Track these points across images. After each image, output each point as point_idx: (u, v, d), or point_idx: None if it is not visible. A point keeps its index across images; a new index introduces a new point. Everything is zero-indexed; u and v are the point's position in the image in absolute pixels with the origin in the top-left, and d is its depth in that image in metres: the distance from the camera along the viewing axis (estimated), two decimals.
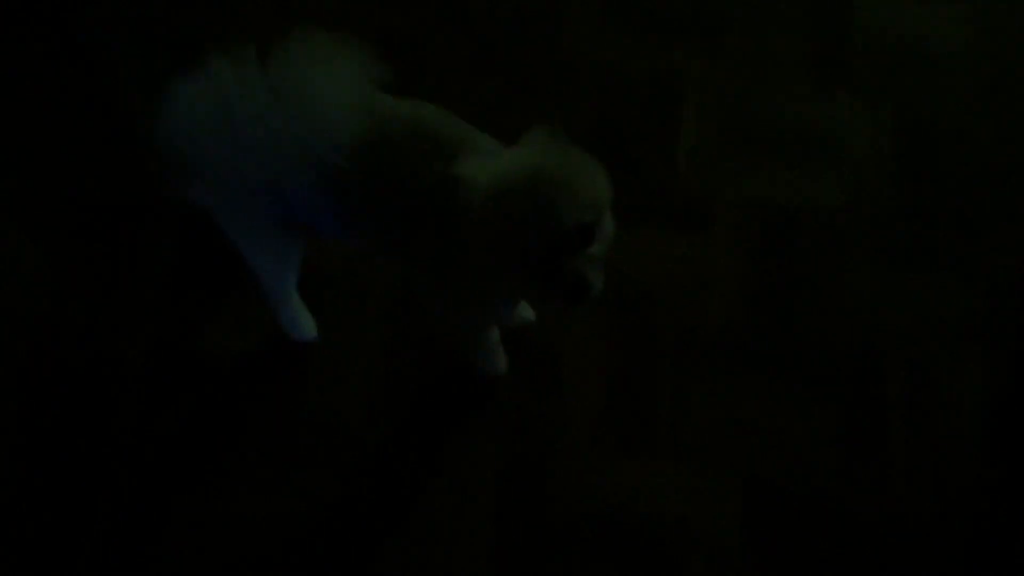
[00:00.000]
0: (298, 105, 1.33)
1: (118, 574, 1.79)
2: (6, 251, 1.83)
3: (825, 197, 2.07)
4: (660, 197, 2.06)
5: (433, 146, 1.37)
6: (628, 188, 2.03)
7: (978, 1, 2.25)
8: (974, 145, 2.13)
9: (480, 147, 1.38)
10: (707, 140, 2.11)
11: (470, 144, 1.38)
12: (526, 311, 1.88)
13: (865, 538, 1.85)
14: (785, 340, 1.97)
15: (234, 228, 1.56)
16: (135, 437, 1.86)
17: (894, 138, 2.12)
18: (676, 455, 1.88)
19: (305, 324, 1.88)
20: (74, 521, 1.80)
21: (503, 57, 2.17)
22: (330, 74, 1.36)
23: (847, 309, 1.99)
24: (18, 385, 1.77)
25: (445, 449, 1.88)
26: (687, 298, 1.99)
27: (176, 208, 1.98)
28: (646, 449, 1.88)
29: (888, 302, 2.00)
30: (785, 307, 1.99)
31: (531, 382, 1.92)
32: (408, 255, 1.51)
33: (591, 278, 1.25)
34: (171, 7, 2.10)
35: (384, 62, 1.39)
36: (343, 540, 1.81)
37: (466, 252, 1.33)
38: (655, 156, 2.09)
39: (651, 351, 1.96)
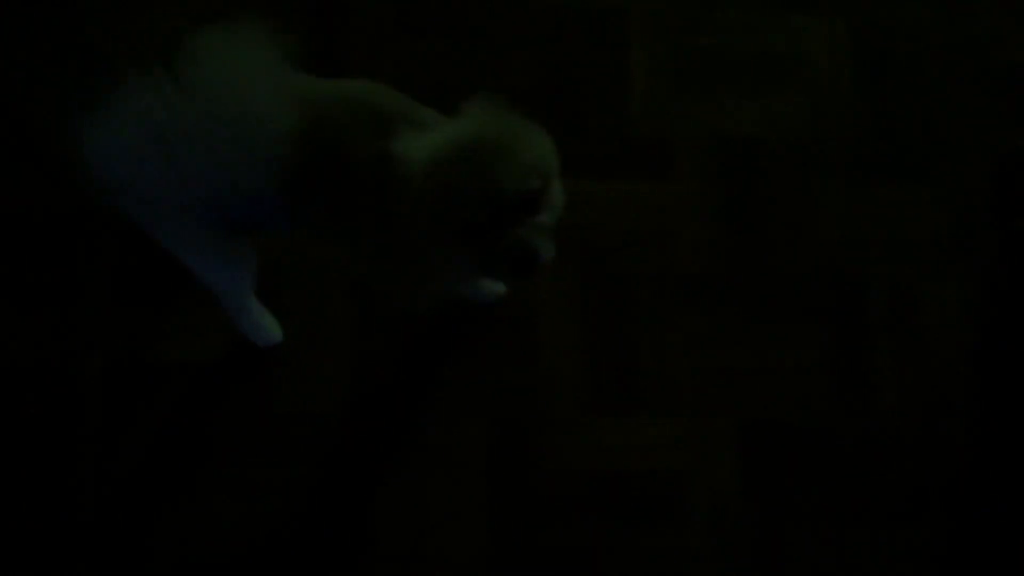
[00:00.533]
0: (221, 107, 1.22)
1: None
2: None
3: (787, 122, 2.01)
4: (616, 145, 1.99)
5: (370, 123, 1.27)
6: (582, 139, 1.98)
7: None
8: (933, 53, 2.07)
9: (420, 120, 1.28)
10: (659, 80, 2.03)
11: (409, 117, 1.28)
12: (496, 285, 1.81)
13: (861, 462, 1.83)
14: (761, 274, 1.92)
15: (177, 245, 1.45)
16: (103, 456, 1.79)
17: (852, 54, 2.06)
18: (665, 408, 1.84)
19: (269, 328, 1.79)
20: (47, 541, 1.73)
21: (435, 12, 2.06)
22: (244, 66, 1.25)
23: (821, 234, 1.95)
24: None
25: (428, 427, 1.82)
26: (657, 245, 1.93)
27: (109, 215, 1.88)
28: (633, 405, 1.84)
29: (861, 221, 1.96)
30: (757, 241, 1.94)
31: (509, 351, 1.86)
32: (354, 238, 1.42)
33: (538, 246, 1.17)
34: (71, 12, 1.98)
35: (303, 37, 1.28)
36: (334, 529, 1.76)
37: (408, 229, 1.24)
38: (607, 102, 2.01)
39: (626, 304, 1.90)
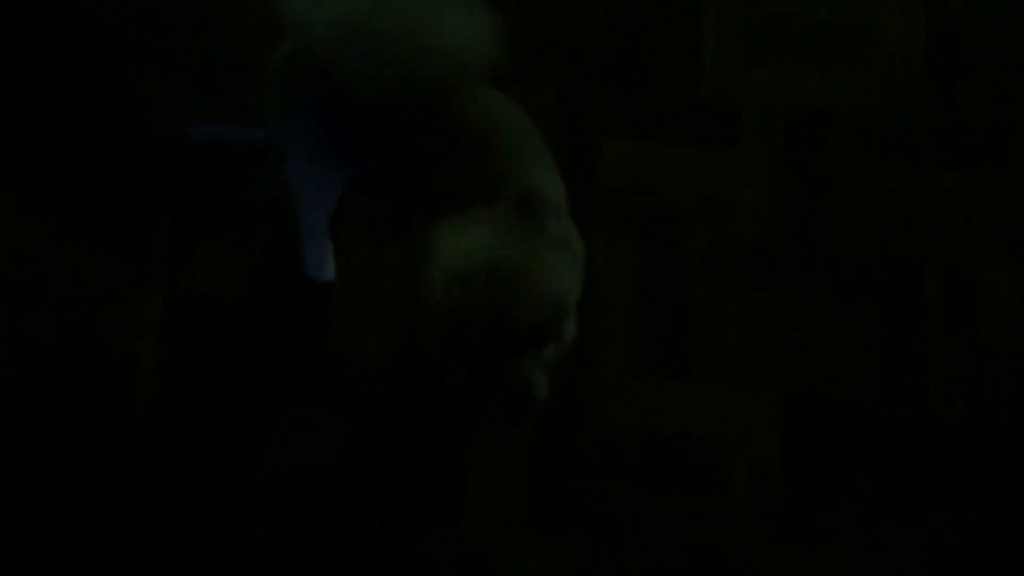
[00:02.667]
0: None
1: (152, 519, 1.78)
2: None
3: (855, 97, 1.99)
4: (683, 110, 1.98)
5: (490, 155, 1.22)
6: (649, 101, 1.97)
7: None
8: (1008, 38, 2.03)
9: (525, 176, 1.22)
10: (730, 46, 2.01)
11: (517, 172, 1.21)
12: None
13: (904, 446, 1.83)
14: (819, 250, 1.92)
15: (297, 155, 1.41)
16: (157, 390, 1.83)
17: (927, 34, 2.02)
18: (711, 375, 1.85)
19: (327, 265, 1.81)
20: (95, 473, 1.78)
21: None
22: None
23: (882, 214, 1.93)
24: (34, 360, 1.73)
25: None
26: (715, 213, 1.93)
27: (178, 150, 1.90)
28: (680, 371, 1.85)
29: (924, 205, 1.94)
30: (817, 216, 1.93)
31: None
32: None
33: (536, 385, 1.10)
34: None
35: None
36: (377, 475, 1.80)
37: (424, 339, 1.16)
38: (676, 66, 2.00)
39: (680, 270, 1.91)
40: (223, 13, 1.68)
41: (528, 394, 1.10)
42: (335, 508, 1.78)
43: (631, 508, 1.80)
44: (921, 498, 1.82)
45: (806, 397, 1.85)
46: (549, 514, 1.79)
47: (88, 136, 1.70)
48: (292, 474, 1.79)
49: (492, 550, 1.77)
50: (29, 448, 1.56)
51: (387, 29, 1.10)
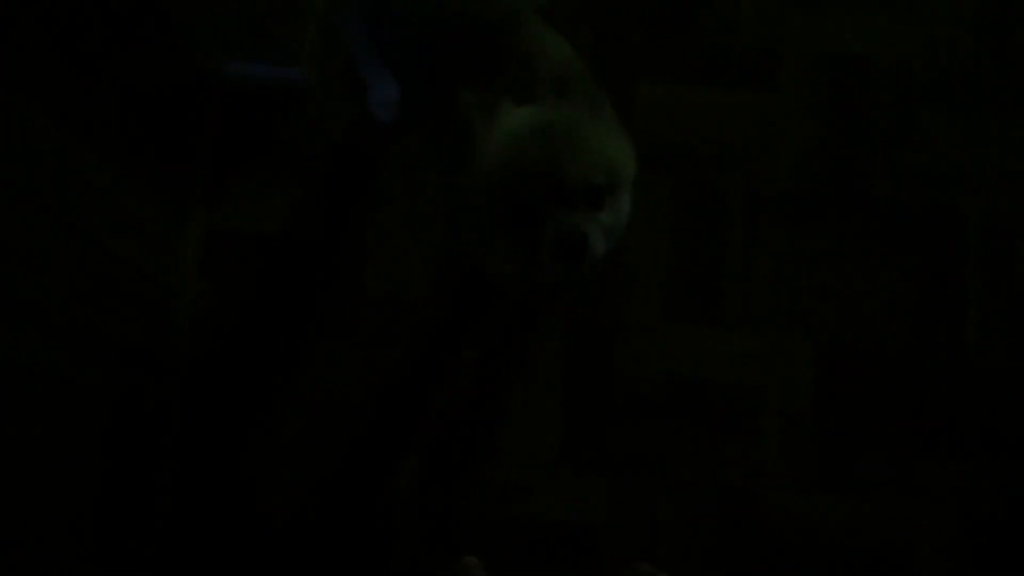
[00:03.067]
0: None
1: (194, 452, 1.81)
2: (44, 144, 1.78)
3: (900, 44, 1.95)
4: (721, 53, 1.95)
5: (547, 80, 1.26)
6: (688, 43, 1.94)
7: None
8: None
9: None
10: None
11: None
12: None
13: (938, 394, 1.82)
14: (858, 197, 1.90)
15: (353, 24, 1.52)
16: (198, 323, 1.85)
17: None
18: (745, 321, 1.85)
19: (392, 107, 1.83)
20: (133, 408, 1.81)
21: None
22: None
23: (924, 162, 1.91)
24: (76, 290, 1.76)
25: (510, 320, 1.85)
26: (754, 159, 1.91)
27: (220, 87, 1.91)
28: (715, 316, 1.85)
29: (966, 154, 1.91)
30: (858, 163, 1.91)
31: None
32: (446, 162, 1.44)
33: (592, 237, 1.13)
34: None
35: None
36: (412, 413, 1.81)
37: (477, 204, 1.22)
38: (715, 8, 1.97)
39: (718, 215, 1.89)
40: None
41: (582, 239, 1.12)
42: (370, 446, 1.80)
43: (663, 450, 1.80)
44: (954, 446, 1.81)
45: (840, 344, 1.84)
46: (582, 454, 1.80)
47: (129, 71, 1.71)
48: (328, 411, 1.81)
49: (523, 485, 1.79)
50: (70, 381, 1.58)
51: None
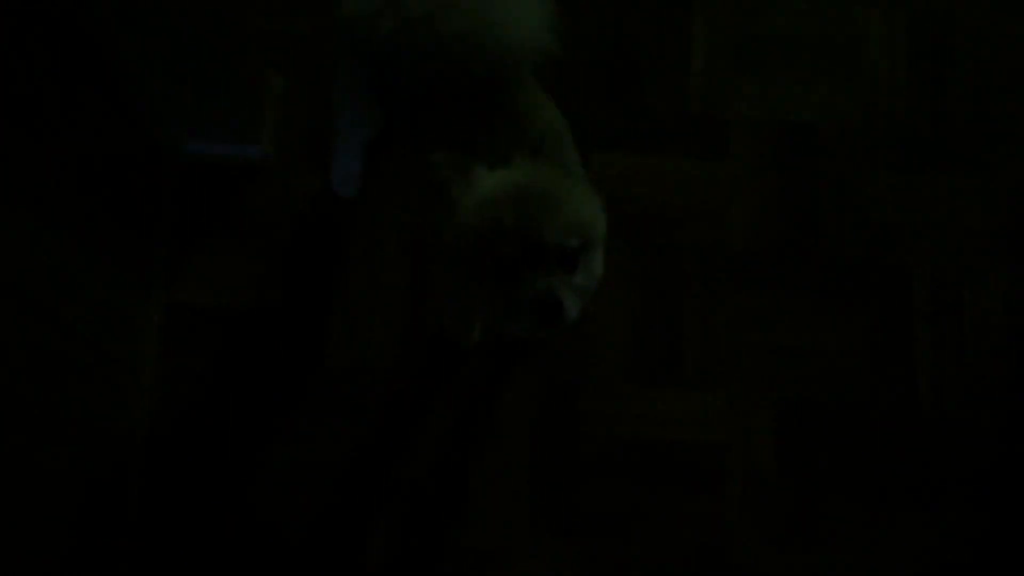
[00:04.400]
0: None
1: (154, 530, 1.78)
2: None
3: (842, 109, 2.03)
4: (673, 122, 2.01)
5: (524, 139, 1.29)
6: (640, 114, 2.00)
7: None
8: (989, 46, 2.08)
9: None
10: (718, 60, 2.05)
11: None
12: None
13: (896, 447, 1.86)
14: (809, 257, 1.95)
15: (346, 74, 1.57)
16: (158, 400, 1.83)
17: (909, 44, 2.07)
18: (706, 381, 1.88)
19: (354, 181, 1.87)
20: (94, 477, 1.78)
21: None
22: None
23: (870, 222, 1.97)
24: (33, 368, 1.74)
25: (475, 386, 1.86)
26: (708, 223, 1.96)
27: (178, 161, 1.92)
28: (676, 377, 1.88)
29: (911, 210, 1.98)
30: (807, 223, 1.97)
31: None
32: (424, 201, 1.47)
33: (566, 301, 1.15)
34: None
35: None
36: (378, 481, 1.80)
37: (453, 261, 1.24)
38: (666, 79, 2.04)
39: (675, 279, 1.93)
40: (223, 33, 1.71)
41: (556, 303, 1.14)
42: (337, 514, 1.79)
43: (631, 511, 1.81)
44: (913, 498, 1.84)
45: (799, 401, 1.87)
46: (550, 517, 1.80)
47: (89, 147, 1.72)
48: (293, 481, 1.80)
49: (493, 552, 1.78)
50: (25, 458, 1.56)
51: (451, 20, 1.23)
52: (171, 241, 1.91)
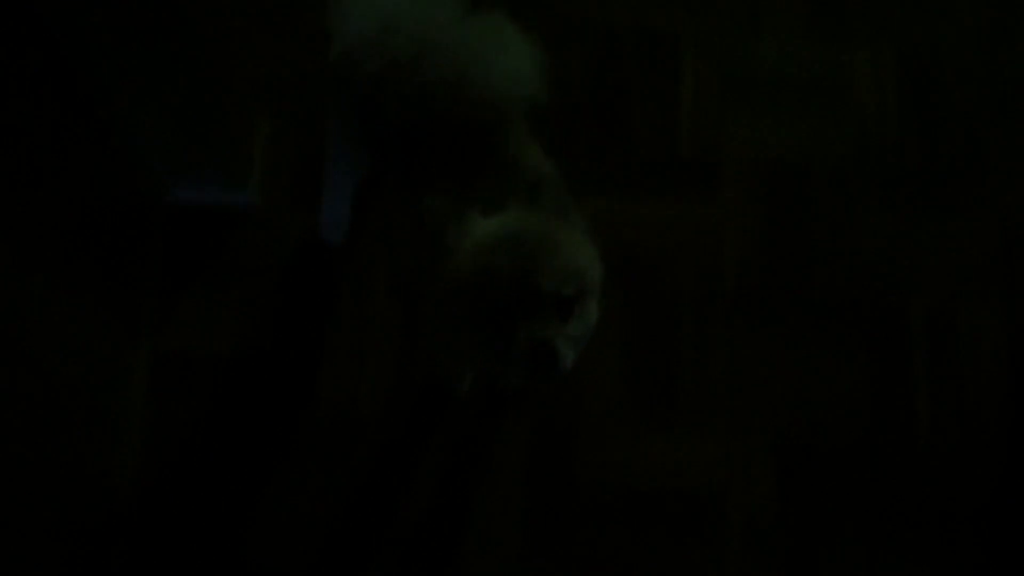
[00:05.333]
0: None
1: None
2: None
3: (831, 149, 2.03)
4: (663, 165, 2.01)
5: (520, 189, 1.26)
6: (629, 157, 2.00)
7: None
8: (978, 84, 2.09)
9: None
10: (707, 103, 2.05)
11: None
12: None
13: (897, 485, 1.83)
14: (803, 297, 1.93)
15: (337, 122, 1.57)
16: (145, 450, 1.80)
17: (897, 84, 2.07)
18: (701, 424, 1.85)
19: (342, 230, 1.87)
20: (83, 535, 1.74)
21: None
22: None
23: (864, 260, 1.96)
24: (15, 416, 1.71)
25: (467, 431, 1.83)
26: (700, 264, 1.95)
27: (167, 208, 1.91)
28: (671, 420, 1.85)
29: (904, 250, 1.97)
30: (801, 263, 1.95)
31: None
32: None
33: (561, 351, 1.12)
34: None
35: None
36: (371, 527, 1.77)
37: (444, 306, 1.22)
38: (655, 122, 2.04)
39: (667, 320, 1.92)
40: (212, 79, 1.71)
41: (551, 353, 1.12)
42: (329, 563, 1.75)
43: (628, 560, 1.77)
44: (917, 535, 1.81)
45: (799, 441, 1.85)
46: (543, 565, 1.76)
47: (75, 193, 1.71)
48: (284, 530, 1.76)
49: None
50: (8, 509, 1.53)
51: (437, 64, 1.24)
52: (158, 288, 1.89)
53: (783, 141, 2.03)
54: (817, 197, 2.00)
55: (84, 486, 1.72)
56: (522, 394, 1.85)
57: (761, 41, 2.10)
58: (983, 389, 1.89)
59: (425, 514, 1.79)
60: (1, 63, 1.46)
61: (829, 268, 1.95)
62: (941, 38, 2.11)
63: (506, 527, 1.78)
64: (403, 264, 1.89)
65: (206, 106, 1.74)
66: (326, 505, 1.78)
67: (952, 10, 2.13)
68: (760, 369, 1.89)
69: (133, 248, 1.89)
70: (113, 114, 1.72)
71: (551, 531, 1.78)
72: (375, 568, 1.75)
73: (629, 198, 1.97)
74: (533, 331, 1.11)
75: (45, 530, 1.61)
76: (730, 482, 1.82)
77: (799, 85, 2.07)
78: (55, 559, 1.63)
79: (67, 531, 1.67)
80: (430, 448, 1.82)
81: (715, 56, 2.08)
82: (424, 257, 1.23)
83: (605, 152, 2.01)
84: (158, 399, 1.82)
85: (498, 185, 1.29)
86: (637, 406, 1.85)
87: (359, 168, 1.69)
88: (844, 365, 1.90)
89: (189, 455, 1.81)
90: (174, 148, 1.80)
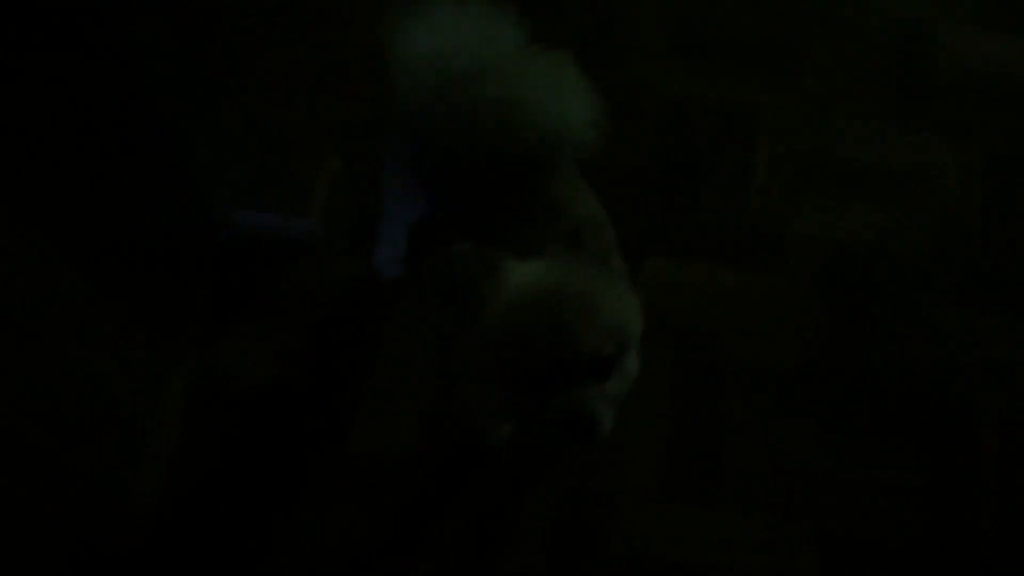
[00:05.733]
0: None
1: None
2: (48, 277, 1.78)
3: (908, 236, 1.95)
4: (729, 234, 1.96)
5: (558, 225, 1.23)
6: (695, 222, 1.95)
7: None
8: None
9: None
10: (780, 176, 2.01)
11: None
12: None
13: None
14: (864, 386, 1.84)
15: (392, 158, 1.55)
16: (173, 478, 1.78)
17: (983, 179, 2.00)
18: (745, 506, 1.75)
19: (396, 265, 1.84)
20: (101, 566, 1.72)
21: None
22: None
23: (932, 355, 1.86)
24: (52, 417, 1.70)
25: (499, 490, 1.77)
26: (757, 339, 1.88)
27: (213, 235, 1.92)
28: (712, 497, 1.76)
29: (977, 348, 1.87)
30: (864, 351, 1.86)
31: None
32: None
33: (600, 416, 1.06)
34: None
35: None
36: (390, 571, 1.71)
37: (476, 365, 1.15)
38: (725, 190, 1.99)
39: (717, 394, 1.84)
40: (288, 111, 1.73)
41: (590, 421, 1.06)
42: None
43: None
44: None
45: (846, 535, 1.74)
46: None
47: (138, 206, 1.72)
48: (303, 566, 1.71)
49: None
50: (31, 512, 1.51)
51: (493, 85, 1.22)
52: (208, 310, 1.89)
53: (856, 223, 1.97)
54: (887, 284, 1.92)
55: (108, 497, 1.69)
56: (558, 451, 1.78)
57: (842, 123, 2.06)
58: None
59: (446, 565, 1.72)
60: (87, 74, 1.50)
61: (893, 358, 1.86)
62: None
63: None
64: (437, 314, 1.86)
65: (280, 137, 1.76)
66: (345, 545, 1.72)
67: None
68: (812, 455, 1.79)
69: (189, 267, 1.89)
70: (185, 134, 1.75)
71: None
72: None
73: (690, 261, 1.92)
74: (570, 396, 1.06)
75: (60, 549, 1.59)
76: (771, 569, 1.71)
77: (880, 168, 2.01)
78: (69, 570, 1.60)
79: (83, 551, 1.64)
80: (456, 501, 1.76)
81: (792, 133, 2.04)
82: (453, 311, 1.17)
83: (670, 213, 1.97)
84: (193, 419, 1.80)
85: (539, 228, 1.25)
86: (678, 476, 1.77)
87: (413, 205, 1.68)
88: (903, 462, 1.79)
89: (215, 481, 1.77)
90: (244, 175, 1.82)
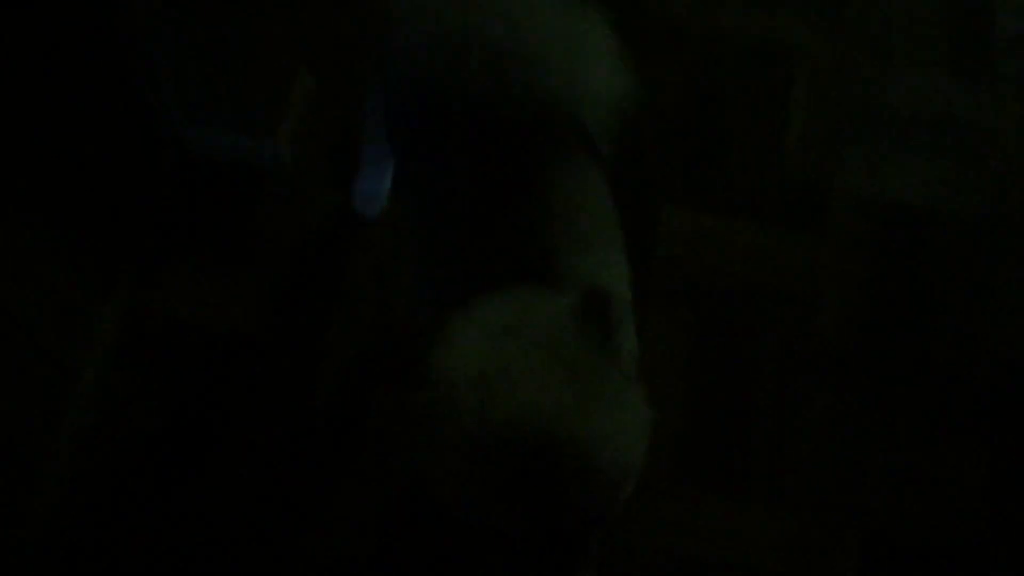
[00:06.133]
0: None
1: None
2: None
3: (963, 195, 1.73)
4: (764, 186, 1.74)
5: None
6: (727, 172, 1.73)
7: None
8: None
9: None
10: (821, 123, 1.79)
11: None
12: None
13: None
14: (915, 365, 1.62)
15: (377, 98, 1.31)
16: (94, 420, 1.51)
17: None
18: (776, 497, 1.52)
19: (377, 204, 1.64)
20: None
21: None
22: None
23: (993, 331, 1.64)
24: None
25: None
26: (793, 305, 1.65)
27: (169, 156, 1.67)
28: (737, 488, 1.52)
29: None
30: (916, 326, 1.64)
31: None
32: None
33: (579, 565, 0.90)
34: None
35: None
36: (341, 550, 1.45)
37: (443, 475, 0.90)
38: (760, 138, 1.78)
39: (746, 367, 1.61)
40: (256, 17, 1.50)
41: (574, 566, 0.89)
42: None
43: None
44: None
45: (891, 534, 1.50)
46: None
47: (73, 119, 1.48)
48: (241, 549, 1.45)
49: None
50: None
51: (507, 35, 1.04)
52: (152, 241, 1.63)
53: (906, 181, 1.74)
54: (941, 246, 1.69)
55: (15, 435, 1.42)
56: None
57: (889, 69, 1.83)
58: None
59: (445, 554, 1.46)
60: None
61: (950, 333, 1.63)
62: None
63: None
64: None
65: (243, 47, 1.52)
66: (285, 523, 1.47)
67: None
68: (853, 444, 1.56)
69: (131, 190, 1.64)
70: (137, 33, 1.51)
71: None
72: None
73: (718, 214, 1.68)
74: (555, 549, 0.89)
75: None
76: (806, 570, 1.46)
77: (932, 119, 1.79)
78: None
79: None
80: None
81: (836, 78, 1.81)
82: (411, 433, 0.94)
83: (700, 164, 1.74)
84: (122, 362, 1.54)
85: (534, 229, 1.03)
86: (701, 462, 1.53)
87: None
88: (960, 454, 1.56)
89: (143, 429, 1.52)
90: (200, 86, 1.58)
